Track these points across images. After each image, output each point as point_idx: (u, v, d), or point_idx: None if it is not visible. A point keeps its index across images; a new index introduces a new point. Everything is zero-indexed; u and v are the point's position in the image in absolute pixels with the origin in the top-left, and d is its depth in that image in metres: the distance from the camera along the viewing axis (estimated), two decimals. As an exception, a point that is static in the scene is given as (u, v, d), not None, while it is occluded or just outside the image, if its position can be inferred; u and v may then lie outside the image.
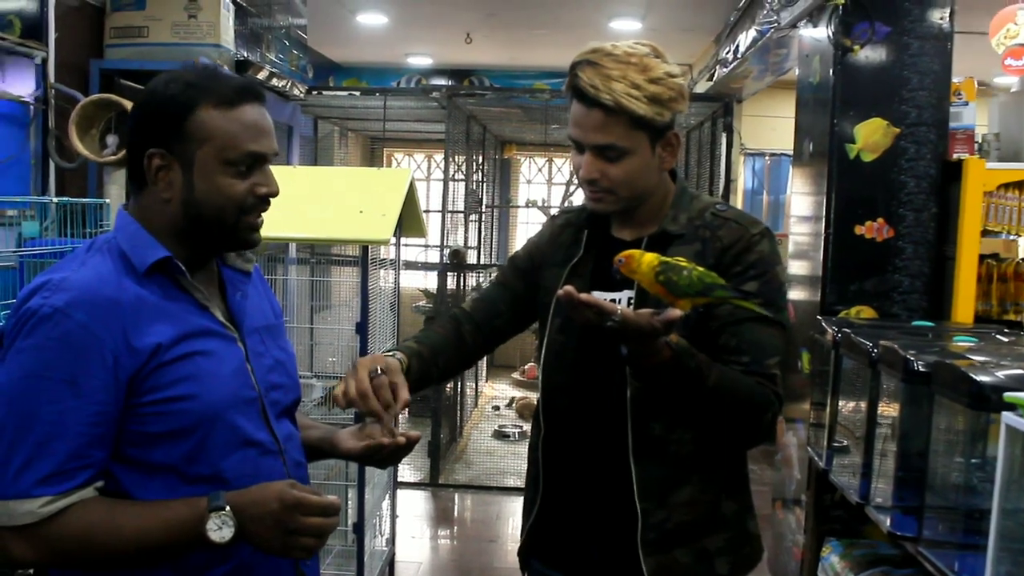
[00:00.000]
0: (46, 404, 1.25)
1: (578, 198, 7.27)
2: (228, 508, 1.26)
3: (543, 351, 1.74)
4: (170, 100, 1.36)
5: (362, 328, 3.05)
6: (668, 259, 1.52)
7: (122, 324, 1.28)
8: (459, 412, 6.31)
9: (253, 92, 1.40)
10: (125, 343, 1.28)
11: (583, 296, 1.43)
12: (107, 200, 3.14)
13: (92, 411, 1.26)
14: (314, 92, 5.56)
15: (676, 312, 1.43)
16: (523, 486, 1.86)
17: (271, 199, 1.41)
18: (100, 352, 1.26)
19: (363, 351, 3.04)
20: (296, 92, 5.03)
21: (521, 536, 1.81)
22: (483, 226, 7.35)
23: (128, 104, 3.28)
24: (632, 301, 1.64)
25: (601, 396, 1.64)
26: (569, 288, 1.45)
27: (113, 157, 3.37)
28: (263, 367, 1.44)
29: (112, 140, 3.46)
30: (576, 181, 1.70)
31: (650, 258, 1.51)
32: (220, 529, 1.26)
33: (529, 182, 9.95)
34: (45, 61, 3.42)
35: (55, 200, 2.92)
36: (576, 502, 1.69)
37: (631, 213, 1.68)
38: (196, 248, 1.40)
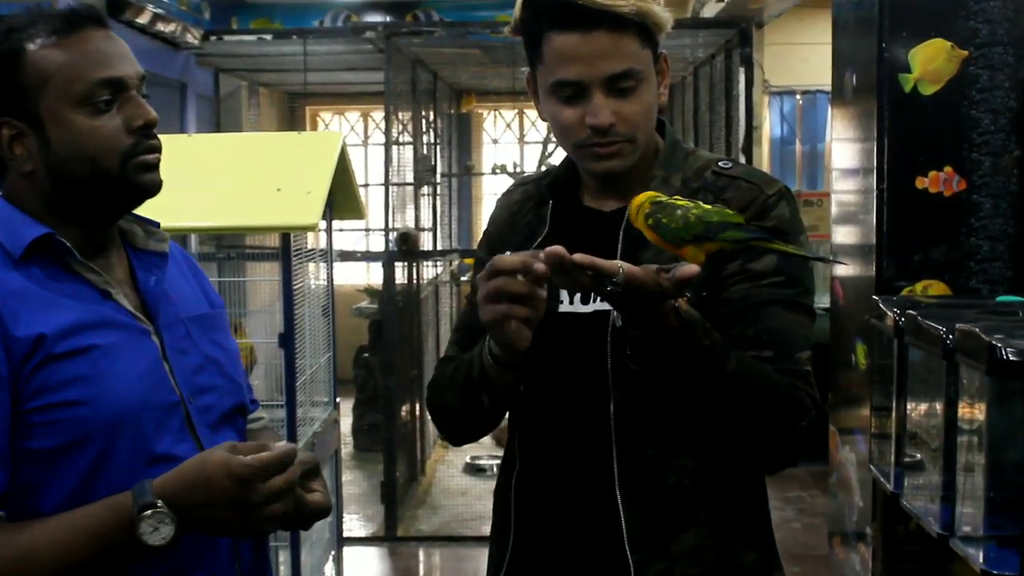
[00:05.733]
0: None
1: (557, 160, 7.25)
2: (160, 503, 1.28)
3: None
4: None
5: (287, 340, 3.05)
6: (664, 198, 1.46)
7: None
8: (419, 443, 6.30)
9: (89, 15, 1.42)
10: (3, 335, 1.32)
11: (576, 256, 1.35)
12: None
13: None
14: (213, 38, 5.55)
15: (692, 267, 1.36)
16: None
17: (152, 130, 1.43)
18: None
19: (289, 368, 3.02)
20: (189, 38, 4.99)
21: None
22: (439, 201, 7.36)
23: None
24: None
25: (583, 411, 1.62)
26: (559, 248, 1.36)
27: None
28: (187, 366, 1.47)
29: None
30: (555, 140, 1.67)
31: (641, 199, 1.46)
32: (157, 530, 1.28)
33: (496, 142, 9.97)
34: None
35: None
36: (553, 556, 1.65)
37: (616, 174, 1.65)
38: (86, 221, 1.43)
